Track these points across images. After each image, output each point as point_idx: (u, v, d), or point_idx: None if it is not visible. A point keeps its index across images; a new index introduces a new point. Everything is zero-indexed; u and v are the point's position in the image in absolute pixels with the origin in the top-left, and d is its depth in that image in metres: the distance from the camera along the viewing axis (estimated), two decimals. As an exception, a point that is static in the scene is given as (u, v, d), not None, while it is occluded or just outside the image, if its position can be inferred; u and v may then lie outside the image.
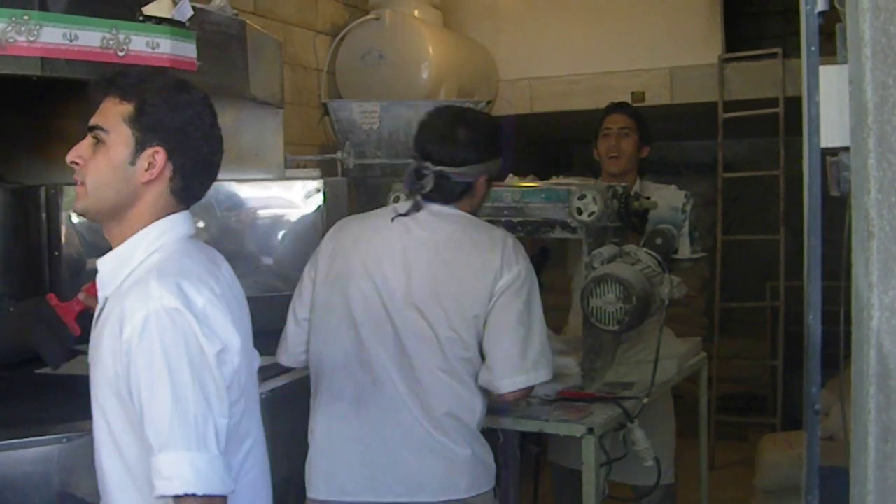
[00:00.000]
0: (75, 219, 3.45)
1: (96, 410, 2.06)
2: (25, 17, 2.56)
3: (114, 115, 2.05)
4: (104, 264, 2.11)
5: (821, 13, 1.97)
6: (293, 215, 3.88)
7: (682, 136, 8.91)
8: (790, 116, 6.34)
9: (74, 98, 3.13)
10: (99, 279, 2.12)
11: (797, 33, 2.02)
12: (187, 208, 2.16)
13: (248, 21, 3.53)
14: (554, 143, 9.41)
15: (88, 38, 2.70)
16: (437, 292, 2.79)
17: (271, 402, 3.08)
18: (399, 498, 2.81)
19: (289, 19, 5.79)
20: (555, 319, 4.86)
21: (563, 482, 4.26)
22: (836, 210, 2.06)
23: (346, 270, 2.88)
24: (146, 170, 2.05)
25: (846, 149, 1.91)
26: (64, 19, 2.63)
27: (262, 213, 3.90)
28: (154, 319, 1.92)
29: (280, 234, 3.88)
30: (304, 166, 4.58)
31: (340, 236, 2.98)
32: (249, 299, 3.72)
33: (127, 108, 2.05)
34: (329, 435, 2.88)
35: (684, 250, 3.66)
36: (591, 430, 3.09)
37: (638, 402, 3.33)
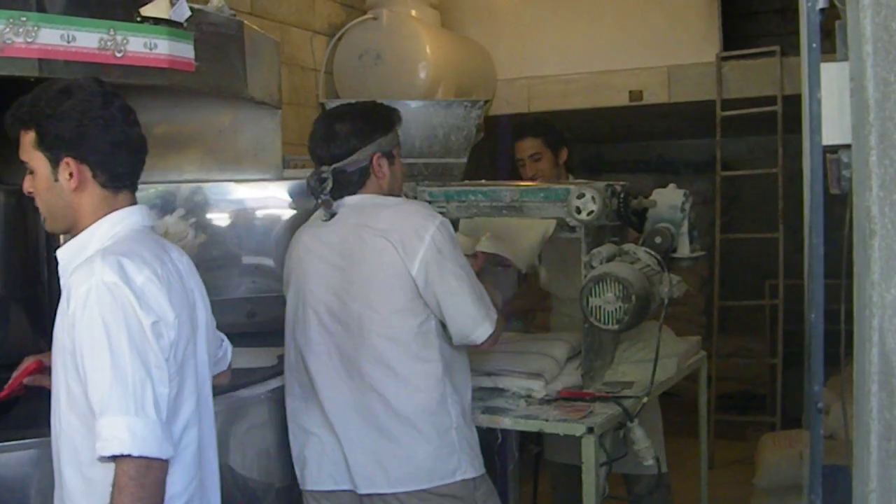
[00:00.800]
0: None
1: (55, 393, 2.21)
2: (23, 19, 2.56)
3: (26, 145, 2.23)
4: (63, 253, 2.27)
5: (821, 10, 1.96)
6: (291, 215, 3.88)
7: (680, 135, 8.92)
8: (788, 115, 6.34)
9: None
10: (60, 268, 2.26)
11: (795, 31, 2.03)
12: (127, 188, 2.30)
13: (245, 21, 3.52)
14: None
15: (86, 39, 2.69)
16: (355, 290, 2.95)
17: (271, 402, 3.09)
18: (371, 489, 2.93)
19: (286, 19, 5.79)
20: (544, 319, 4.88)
21: (558, 478, 4.27)
22: (835, 208, 2.06)
23: (290, 280, 3.12)
24: (68, 180, 2.21)
25: (846, 146, 1.91)
26: (61, 20, 2.63)
27: (259, 213, 3.89)
28: (95, 292, 2.07)
29: (278, 235, 3.87)
30: (302, 166, 4.57)
31: (291, 247, 3.18)
32: (248, 299, 3.74)
33: (31, 135, 2.22)
34: (300, 431, 3.06)
35: (683, 249, 3.65)
36: (590, 430, 3.08)
37: (637, 401, 3.32)
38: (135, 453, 2.00)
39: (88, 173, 2.22)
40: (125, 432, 2.01)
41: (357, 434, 2.92)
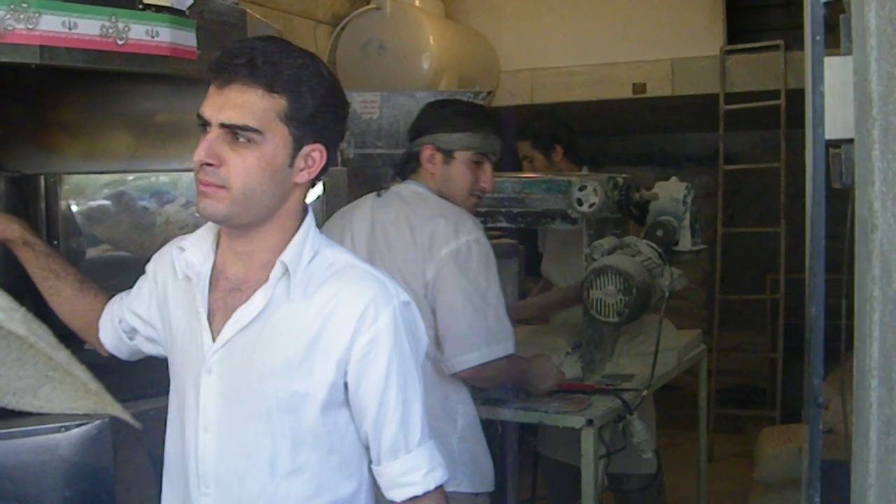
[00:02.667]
0: (75, 207, 3.44)
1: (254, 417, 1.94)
2: (24, 5, 2.54)
3: (264, 111, 1.85)
4: (291, 260, 1.92)
5: (825, 3, 1.96)
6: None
7: (683, 128, 8.91)
8: (792, 109, 6.34)
9: (73, 86, 3.12)
10: (277, 275, 1.92)
11: (799, 26, 2.02)
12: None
13: (248, 10, 3.50)
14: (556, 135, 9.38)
15: (87, 26, 2.68)
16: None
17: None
18: None
19: (289, 8, 5.77)
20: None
21: (552, 475, 4.27)
22: (838, 203, 2.05)
23: None
24: (302, 169, 1.92)
25: (849, 141, 1.90)
26: (63, 7, 2.61)
27: (261, 202, 3.88)
28: (399, 315, 1.91)
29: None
30: (305, 156, 4.57)
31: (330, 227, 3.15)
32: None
33: (279, 102, 1.86)
34: None
35: (685, 242, 3.65)
36: (590, 422, 3.09)
37: (637, 394, 3.33)
38: (440, 481, 2.03)
39: (322, 166, 1.96)
40: (439, 460, 2.00)
41: None
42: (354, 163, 4.81)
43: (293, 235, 1.95)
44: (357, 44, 6.20)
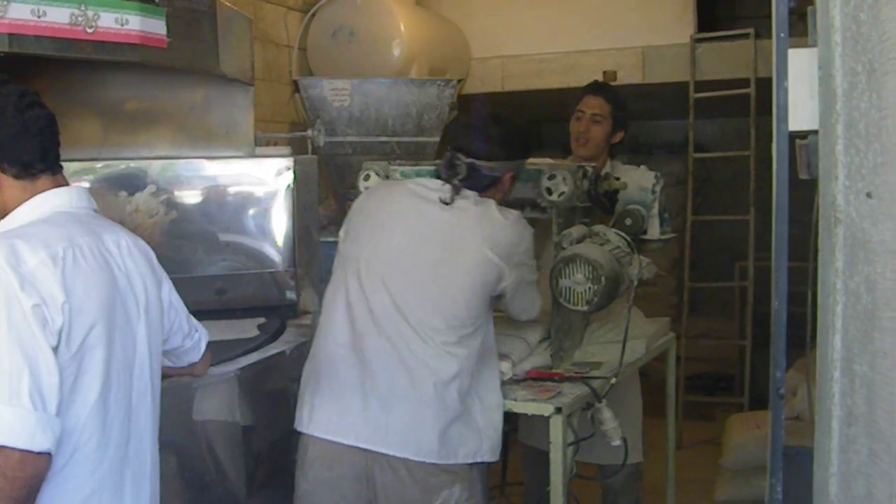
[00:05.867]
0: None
1: None
2: (-8, -7, 2.54)
3: None
4: None
5: (790, -1, 1.98)
6: (263, 193, 3.87)
7: (653, 116, 8.94)
8: (761, 97, 6.38)
9: (42, 74, 3.11)
10: None
11: (770, 14, 2.03)
12: (45, 171, 2.25)
13: (217, -3, 3.50)
14: (525, 121, 9.43)
15: (57, 14, 2.67)
16: (432, 275, 3.00)
17: (240, 381, 3.10)
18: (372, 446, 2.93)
19: (260, -5, 5.76)
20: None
21: (531, 462, 4.29)
22: (806, 191, 2.07)
23: (364, 228, 3.14)
24: None
25: (816, 132, 1.92)
26: (32, -6, 2.61)
27: (231, 190, 3.88)
28: None
29: (250, 213, 3.86)
30: (275, 144, 4.56)
31: (371, 201, 3.25)
32: (218, 277, 3.74)
33: None
34: (324, 373, 3.04)
35: (654, 231, 3.68)
36: (559, 410, 3.10)
37: (606, 381, 3.35)
38: (0, 442, 1.94)
39: None
40: None
41: (392, 396, 2.92)
42: (324, 150, 4.81)
43: None
44: (328, 31, 6.19)
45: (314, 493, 3.01)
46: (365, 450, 2.93)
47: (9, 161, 2.20)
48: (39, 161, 2.23)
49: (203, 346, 2.70)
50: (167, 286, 2.52)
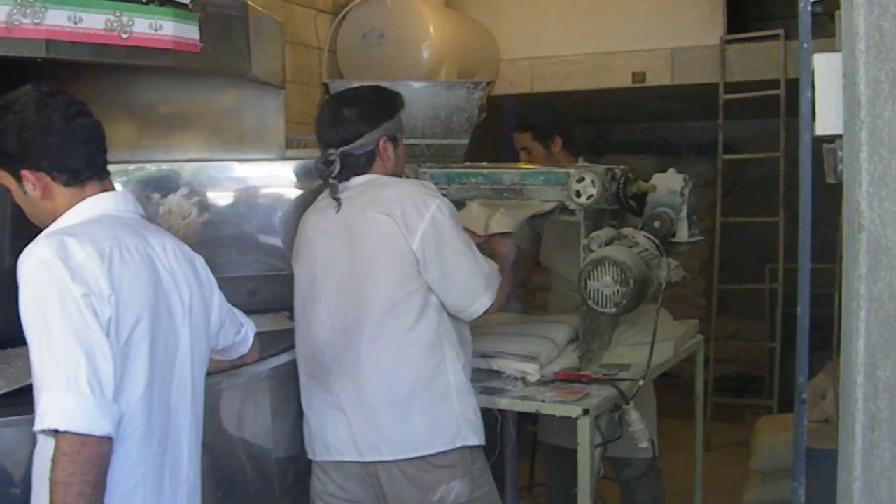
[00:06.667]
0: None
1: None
2: (30, 0, 2.58)
3: None
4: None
5: (818, 2, 1.99)
6: (295, 195, 3.91)
7: (682, 117, 8.92)
8: (791, 98, 6.35)
9: (77, 78, 3.16)
10: None
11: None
12: (93, 178, 2.32)
13: (249, 2, 3.54)
14: (557, 123, 9.37)
15: (92, 20, 2.72)
16: (358, 264, 3.05)
17: (271, 380, 3.13)
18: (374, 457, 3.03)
19: (290, -2, 5.79)
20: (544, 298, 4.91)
21: (551, 460, 4.31)
22: (834, 193, 2.08)
23: (299, 259, 3.24)
24: (34, 190, 2.28)
25: (842, 136, 1.93)
26: (69, 2, 2.65)
27: (263, 192, 3.92)
28: (32, 270, 2.10)
29: (281, 214, 3.90)
30: (305, 146, 4.60)
31: (301, 226, 3.28)
32: (250, 278, 3.78)
33: None
34: (308, 404, 3.16)
35: (682, 233, 3.67)
36: (586, 412, 3.12)
37: (633, 383, 3.36)
38: (62, 428, 2.00)
39: (47, 178, 2.27)
40: (55, 407, 2.01)
41: (360, 405, 3.01)
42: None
43: None
44: (357, 33, 6.22)
45: None
46: (364, 462, 3.04)
47: (58, 169, 2.26)
48: (87, 168, 2.30)
49: (251, 338, 2.77)
50: (217, 289, 2.60)
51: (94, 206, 2.31)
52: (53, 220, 2.30)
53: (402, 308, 3.01)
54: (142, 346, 2.22)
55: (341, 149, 3.09)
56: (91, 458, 2.02)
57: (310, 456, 3.16)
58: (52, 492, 2.01)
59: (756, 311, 7.72)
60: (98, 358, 2.07)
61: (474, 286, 3.07)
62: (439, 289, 3.03)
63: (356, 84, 4.94)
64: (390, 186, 3.10)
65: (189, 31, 3.03)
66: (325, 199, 3.20)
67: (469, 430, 3.04)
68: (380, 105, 3.21)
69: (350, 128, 3.10)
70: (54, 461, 2.01)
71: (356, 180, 3.12)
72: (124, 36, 2.81)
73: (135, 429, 2.20)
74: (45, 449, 2.11)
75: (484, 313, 3.11)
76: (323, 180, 3.14)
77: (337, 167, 3.08)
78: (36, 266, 2.10)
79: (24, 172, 2.26)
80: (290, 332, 3.27)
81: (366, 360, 3.00)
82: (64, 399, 2.01)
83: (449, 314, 3.09)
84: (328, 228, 3.12)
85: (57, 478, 2.00)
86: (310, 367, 3.13)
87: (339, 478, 3.10)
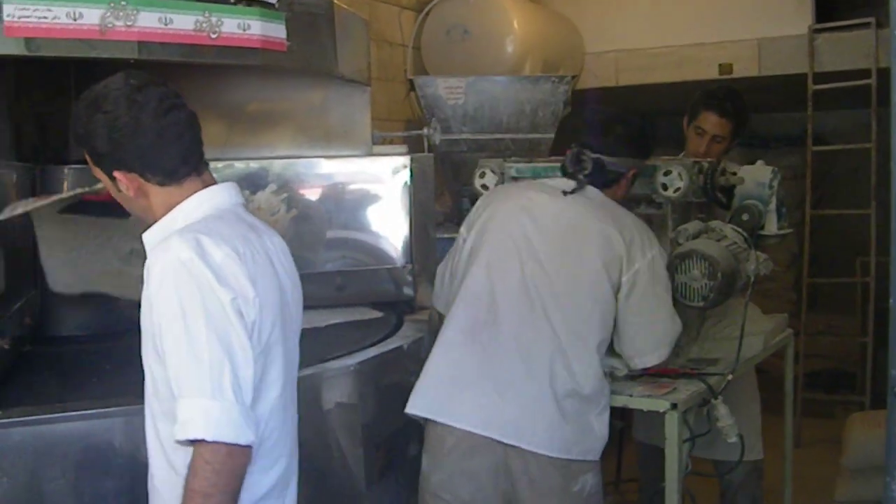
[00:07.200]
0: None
1: (146, 374, 2.15)
2: (123, 3, 2.63)
3: (89, 161, 2.23)
4: (148, 236, 2.21)
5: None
6: (380, 191, 3.94)
7: (770, 108, 8.78)
8: (883, 88, 6.22)
9: (168, 78, 3.21)
10: (147, 251, 2.19)
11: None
12: (189, 174, 2.22)
13: (335, 0, 3.57)
14: (640, 116, 9.30)
15: (182, 21, 2.77)
16: (574, 261, 3.07)
17: (359, 374, 3.16)
18: (489, 433, 2.98)
19: (375, -4, 5.83)
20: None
21: (647, 459, 4.28)
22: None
23: (492, 220, 3.21)
24: (127, 189, 2.20)
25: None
26: (159, 3, 2.70)
27: (349, 188, 3.96)
28: (171, 270, 2.01)
29: (367, 210, 3.94)
30: (391, 142, 4.63)
31: (496, 197, 3.34)
32: (338, 273, 3.82)
33: (85, 152, 2.21)
34: (443, 359, 3.11)
35: (771, 226, 3.63)
36: (674, 406, 3.10)
37: (722, 378, 3.33)
38: (209, 438, 1.92)
39: (140, 179, 2.18)
40: (200, 415, 1.93)
41: (528, 389, 2.97)
42: (440, 148, 4.86)
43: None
44: (441, 29, 6.24)
45: (450, 482, 3.04)
46: (502, 442, 2.98)
47: (151, 171, 2.17)
48: (182, 165, 2.19)
49: None
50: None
51: (207, 200, 2.22)
52: (153, 217, 2.21)
53: (592, 320, 3.04)
54: (277, 348, 2.18)
55: (597, 155, 3.16)
56: (234, 468, 1.97)
57: (430, 416, 3.06)
58: (188, 499, 1.95)
59: (847, 305, 7.57)
60: (241, 363, 2.01)
61: (651, 341, 3.13)
62: (622, 324, 3.09)
63: (450, 80, 5.01)
64: (627, 215, 3.18)
65: (276, 31, 3.06)
66: (545, 185, 3.27)
67: (599, 446, 3.05)
68: (647, 142, 3.35)
69: (617, 143, 3.21)
70: (194, 469, 1.94)
71: (594, 192, 3.19)
72: (213, 36, 2.86)
73: (269, 433, 2.16)
74: (170, 456, 2.08)
75: (641, 368, 3.20)
76: (570, 174, 3.19)
77: (587, 168, 3.16)
78: (174, 265, 2.02)
79: (116, 173, 2.18)
80: (375, 326, 3.30)
81: (549, 349, 2.99)
82: (209, 407, 1.94)
83: None
84: (545, 213, 3.14)
85: (196, 487, 1.94)
86: (476, 326, 3.07)
87: (465, 447, 3.01)
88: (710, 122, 4.18)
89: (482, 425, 2.98)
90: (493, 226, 3.18)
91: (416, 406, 3.07)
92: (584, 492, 2.99)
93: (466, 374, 3.03)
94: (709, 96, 4.26)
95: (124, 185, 2.19)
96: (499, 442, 2.97)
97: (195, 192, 2.22)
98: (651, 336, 3.12)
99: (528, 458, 2.96)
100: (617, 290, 3.05)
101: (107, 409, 2.54)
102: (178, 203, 2.20)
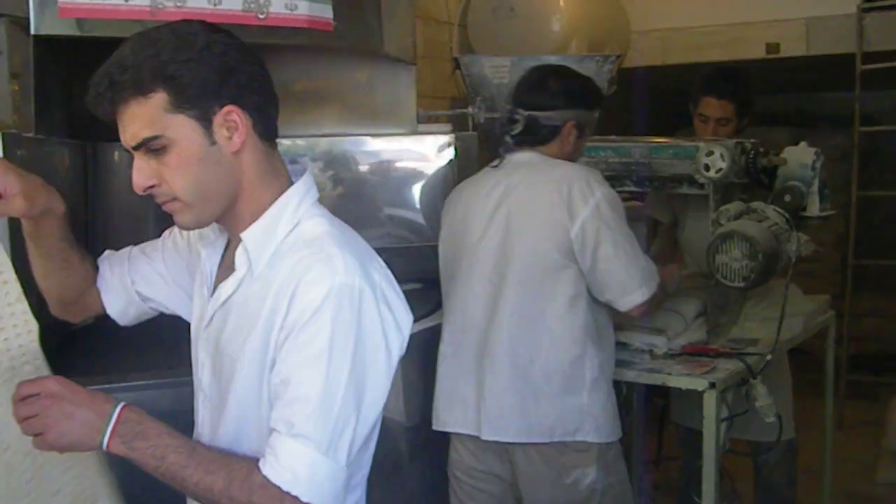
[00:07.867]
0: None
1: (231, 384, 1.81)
2: (173, -17, 2.70)
3: (152, 116, 1.70)
4: (251, 237, 1.79)
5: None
6: (426, 169, 3.97)
7: (817, 88, 8.71)
8: (933, 68, 6.17)
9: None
10: (241, 253, 1.81)
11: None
12: (275, 148, 1.85)
13: (380, -22, 3.60)
14: (687, 95, 9.26)
15: (231, 2, 2.82)
16: (514, 240, 3.05)
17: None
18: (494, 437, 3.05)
19: (421, -26, 5.84)
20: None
21: (686, 442, 4.30)
22: None
23: (450, 232, 3.27)
24: (229, 138, 1.74)
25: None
26: (209, -16, 2.76)
27: (395, 166, 4.00)
28: (335, 298, 1.66)
29: (413, 188, 3.98)
30: (436, 121, 4.66)
31: (452, 200, 3.33)
32: (382, 250, 3.87)
33: (159, 98, 1.69)
34: (447, 374, 3.18)
35: (813, 208, 3.63)
36: (713, 385, 3.13)
37: (761, 358, 3.34)
38: (303, 498, 1.65)
39: (250, 122, 1.75)
40: (305, 470, 1.65)
41: (496, 382, 3.02)
42: (484, 126, 4.88)
43: (268, 207, 1.81)
44: (488, 7, 6.23)
45: (469, 483, 3.19)
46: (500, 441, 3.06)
47: (261, 114, 1.78)
48: (276, 124, 1.85)
49: None
50: None
51: (310, 188, 1.86)
52: (227, 196, 1.78)
53: (556, 292, 3.01)
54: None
55: (530, 112, 3.13)
56: None
57: (440, 427, 3.18)
58: None
59: (894, 287, 7.51)
60: (362, 423, 1.72)
61: (628, 279, 3.00)
62: (592, 278, 3.01)
63: (495, 59, 5.02)
64: (559, 167, 3.10)
65: (322, 10, 3.11)
66: (482, 171, 3.27)
67: (591, 426, 3.00)
68: (585, 92, 3.24)
69: (549, 97, 3.15)
70: None
71: (521, 156, 3.16)
72: (261, 16, 2.91)
73: (360, 480, 1.88)
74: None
75: (633, 307, 3.04)
76: (500, 133, 3.20)
77: (519, 128, 3.14)
78: (340, 295, 1.67)
79: (229, 108, 1.71)
80: (419, 303, 3.33)
81: (507, 338, 3.02)
82: (318, 463, 1.65)
83: (599, 306, 3.08)
84: (484, 204, 3.14)
85: None
86: (455, 336, 3.15)
87: (476, 450, 3.12)
88: (711, 106, 4.13)
89: (475, 428, 3.08)
90: (451, 232, 3.26)
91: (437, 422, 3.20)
92: (580, 485, 3.01)
93: (456, 385, 3.14)
94: (704, 81, 4.22)
95: (231, 129, 1.73)
96: (482, 440, 3.07)
97: (285, 175, 1.85)
98: (625, 277, 2.99)
99: (515, 451, 3.04)
100: (571, 245, 2.98)
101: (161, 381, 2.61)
102: (270, 177, 1.81)
